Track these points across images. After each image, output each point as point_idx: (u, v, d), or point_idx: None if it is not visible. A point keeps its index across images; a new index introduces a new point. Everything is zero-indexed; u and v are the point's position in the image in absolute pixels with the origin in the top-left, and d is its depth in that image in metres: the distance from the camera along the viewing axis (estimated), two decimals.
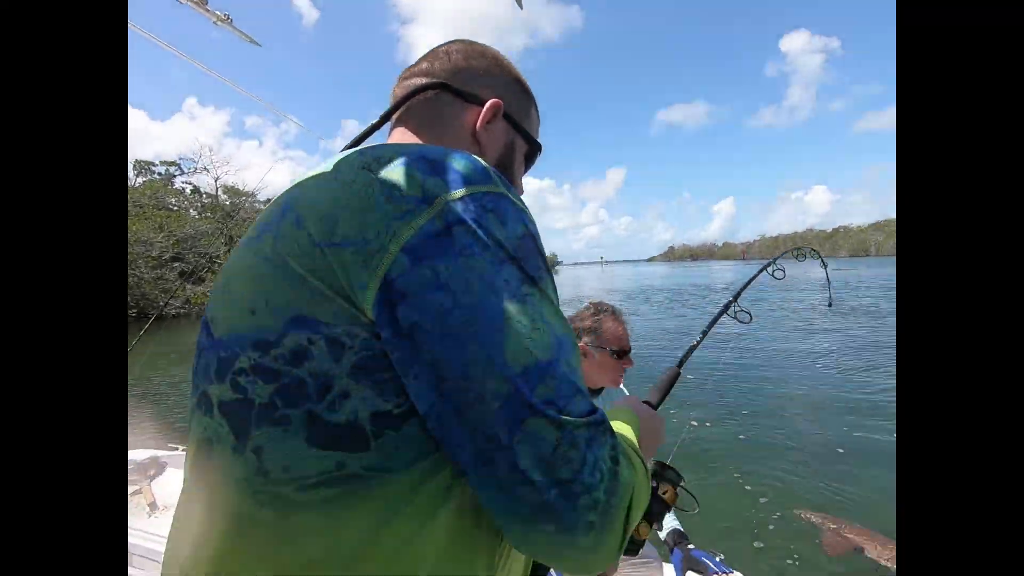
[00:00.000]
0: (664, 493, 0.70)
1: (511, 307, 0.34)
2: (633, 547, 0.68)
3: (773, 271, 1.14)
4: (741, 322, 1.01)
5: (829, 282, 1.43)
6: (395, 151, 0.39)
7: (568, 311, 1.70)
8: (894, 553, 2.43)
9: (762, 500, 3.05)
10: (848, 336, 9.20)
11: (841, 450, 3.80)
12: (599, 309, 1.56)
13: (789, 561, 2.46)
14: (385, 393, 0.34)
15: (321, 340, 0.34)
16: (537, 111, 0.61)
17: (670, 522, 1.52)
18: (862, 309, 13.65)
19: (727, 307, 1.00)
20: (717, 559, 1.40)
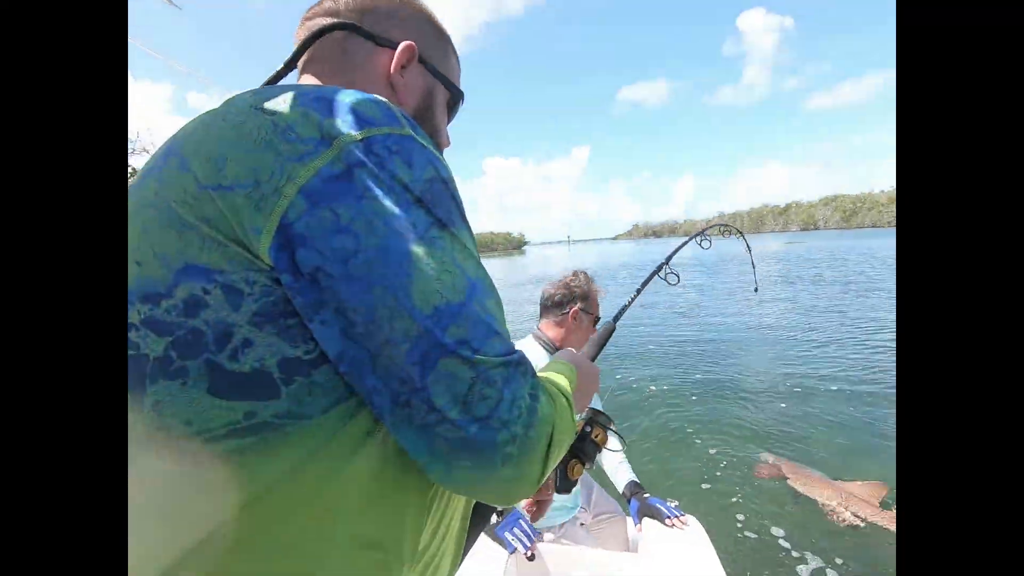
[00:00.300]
0: (596, 436, 0.75)
1: (418, 250, 0.34)
2: (566, 485, 0.73)
3: (700, 241, 1.25)
4: (670, 284, 1.11)
5: (753, 266, 1.51)
6: (289, 91, 0.37)
7: (536, 290, 1.72)
8: (813, 483, 2.73)
9: (711, 451, 3.29)
10: (794, 303, 9.81)
11: (783, 404, 4.13)
12: (587, 275, 1.60)
13: (733, 499, 2.70)
14: (292, 339, 0.33)
15: (217, 288, 0.33)
16: (456, 55, 0.58)
17: (628, 475, 1.62)
18: (808, 278, 14.54)
19: (659, 269, 1.11)
20: (672, 505, 1.49)
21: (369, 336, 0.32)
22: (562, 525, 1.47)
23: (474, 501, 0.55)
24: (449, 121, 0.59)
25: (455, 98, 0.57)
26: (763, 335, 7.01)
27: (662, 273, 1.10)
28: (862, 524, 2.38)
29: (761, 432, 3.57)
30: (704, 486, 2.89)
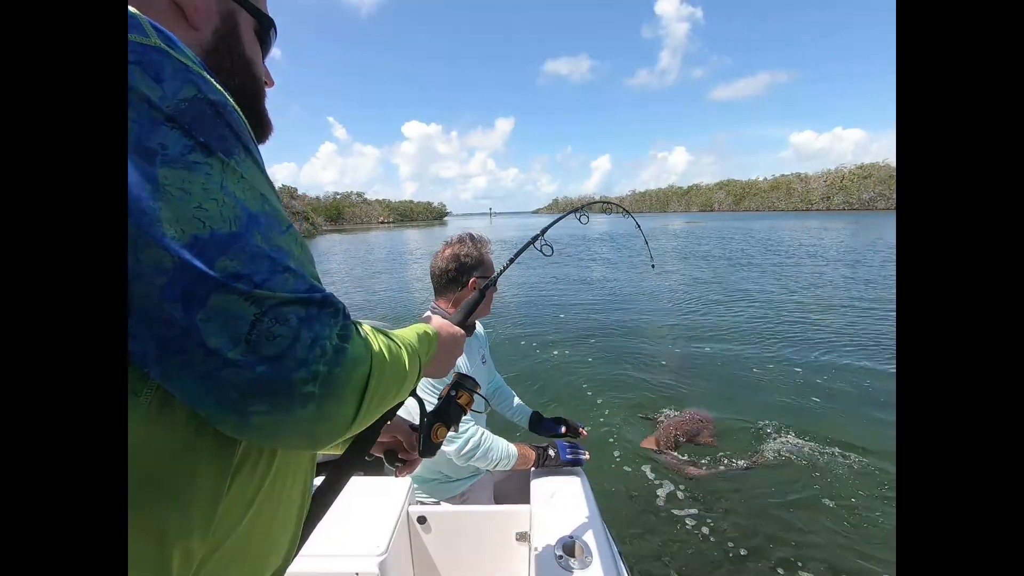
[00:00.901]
0: (461, 399, 0.76)
1: (170, 173, 0.29)
2: (430, 448, 0.71)
3: (579, 216, 1.28)
4: (545, 255, 1.13)
5: (647, 242, 1.56)
6: None
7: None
8: (673, 423, 3.34)
9: (599, 400, 3.87)
10: (686, 276, 11.16)
11: (664, 362, 4.88)
12: (473, 238, 1.45)
13: (611, 439, 3.27)
14: None
15: None
16: None
17: (527, 410, 1.76)
18: (700, 254, 16.46)
19: (533, 240, 1.10)
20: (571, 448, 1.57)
21: None
22: (463, 493, 1.47)
23: (314, 468, 0.52)
24: (265, 55, 0.52)
25: (264, 27, 0.50)
26: (655, 302, 7.99)
27: (537, 244, 1.11)
28: (698, 450, 3.08)
29: (642, 383, 4.24)
30: (588, 427, 3.43)
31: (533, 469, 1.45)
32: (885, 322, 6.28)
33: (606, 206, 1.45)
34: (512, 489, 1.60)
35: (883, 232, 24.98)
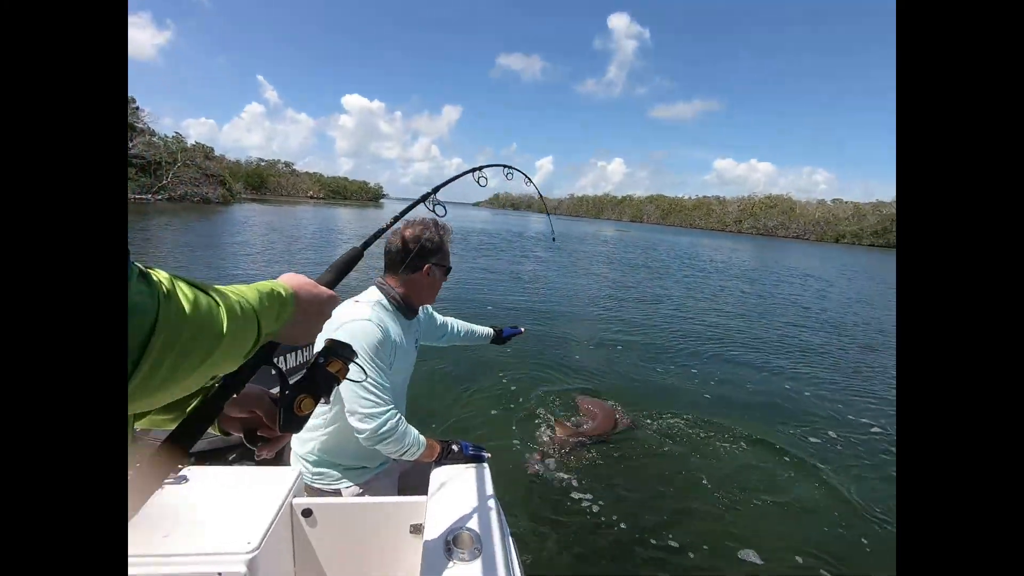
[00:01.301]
0: (331, 367, 0.68)
1: None
2: (292, 421, 0.64)
3: (478, 178, 1.26)
4: (438, 216, 1.12)
5: (549, 215, 1.93)
6: None
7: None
8: (588, 409, 3.58)
9: (512, 388, 4.06)
10: (609, 279, 11.88)
11: (578, 356, 5.20)
12: (437, 224, 1.41)
13: (514, 427, 3.45)
14: None
15: None
16: None
17: (481, 327, 1.89)
18: (625, 260, 17.55)
19: (425, 198, 1.08)
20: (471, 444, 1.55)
21: None
22: (367, 482, 1.44)
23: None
24: None
25: None
26: (577, 302, 8.42)
27: (428, 203, 1.10)
28: (593, 439, 3.33)
29: (555, 375, 4.50)
30: (493, 412, 3.61)
31: (435, 462, 1.41)
32: (769, 329, 7.26)
33: (507, 171, 1.46)
34: (418, 480, 1.54)
35: (781, 257, 28.23)
